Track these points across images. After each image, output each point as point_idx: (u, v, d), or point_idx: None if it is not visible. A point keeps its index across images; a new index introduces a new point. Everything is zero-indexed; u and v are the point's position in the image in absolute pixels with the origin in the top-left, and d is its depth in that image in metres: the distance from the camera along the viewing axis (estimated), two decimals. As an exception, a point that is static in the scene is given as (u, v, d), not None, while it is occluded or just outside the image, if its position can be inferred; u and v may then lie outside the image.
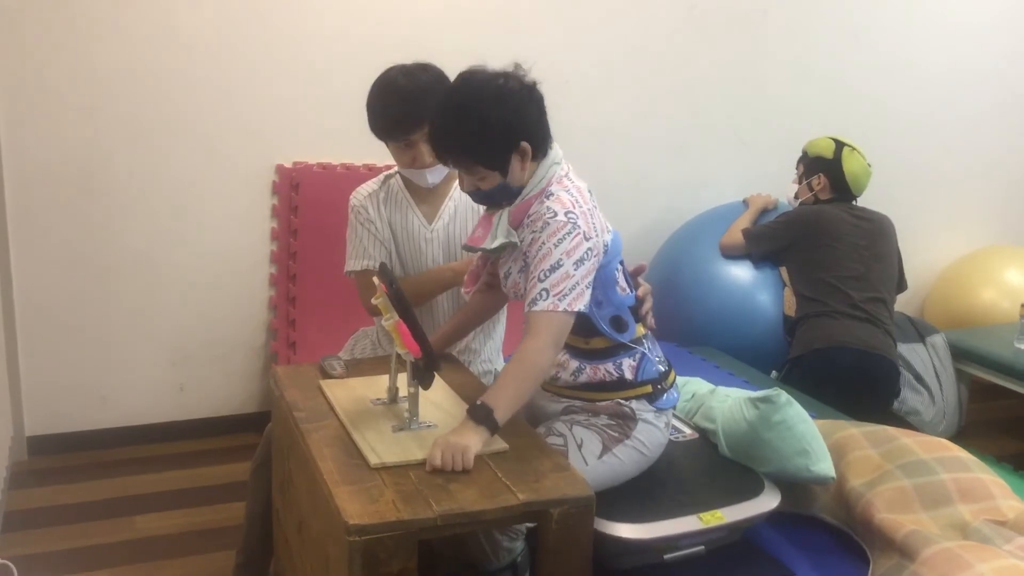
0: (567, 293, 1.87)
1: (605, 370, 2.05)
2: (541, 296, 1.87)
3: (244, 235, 3.51)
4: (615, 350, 2.05)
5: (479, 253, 2.11)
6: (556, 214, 1.91)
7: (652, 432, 2.07)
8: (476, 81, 1.94)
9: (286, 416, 2.09)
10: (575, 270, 1.88)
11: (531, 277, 1.90)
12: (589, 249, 1.91)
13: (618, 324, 2.03)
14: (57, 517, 2.98)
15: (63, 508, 3.04)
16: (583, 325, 2.00)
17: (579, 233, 1.90)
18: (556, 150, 2.02)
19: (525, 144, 1.93)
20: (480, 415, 1.81)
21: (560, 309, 1.86)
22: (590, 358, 2.05)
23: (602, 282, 1.99)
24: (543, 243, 1.90)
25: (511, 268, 2.04)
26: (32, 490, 3.15)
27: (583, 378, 2.06)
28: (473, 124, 1.90)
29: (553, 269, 1.87)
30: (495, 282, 2.18)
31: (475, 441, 1.79)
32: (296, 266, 3.52)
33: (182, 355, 3.53)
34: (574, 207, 1.93)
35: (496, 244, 1.99)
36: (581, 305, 1.89)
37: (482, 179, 1.97)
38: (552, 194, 1.95)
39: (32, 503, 3.07)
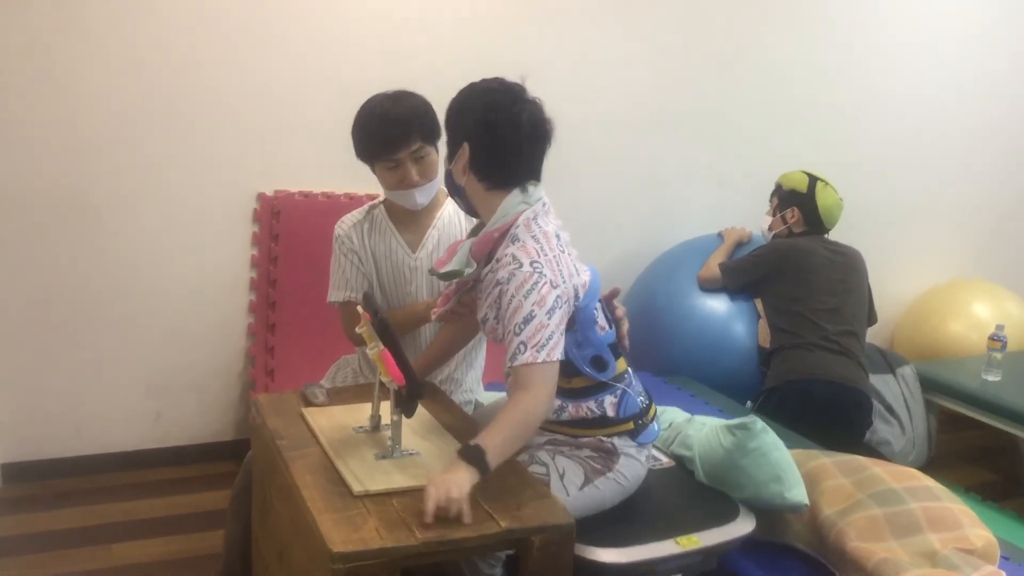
0: (544, 343, 1.88)
1: (587, 408, 2.07)
2: (520, 350, 1.88)
3: (224, 262, 3.52)
4: (597, 388, 2.07)
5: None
6: (521, 264, 1.92)
7: (633, 465, 2.10)
8: (493, 79, 2.07)
9: (268, 444, 2.10)
10: (548, 319, 1.89)
11: (507, 331, 1.91)
12: (558, 297, 1.92)
13: (599, 364, 2.05)
14: (32, 545, 2.95)
15: (38, 536, 3.02)
16: (565, 366, 2.00)
17: (546, 282, 1.91)
18: (531, 192, 2.03)
19: (466, 146, 2.01)
20: (472, 456, 1.78)
21: (540, 360, 1.87)
22: (572, 397, 2.06)
23: (582, 323, 2.01)
24: (512, 295, 1.91)
25: (488, 314, 2.05)
26: (6, 518, 3.12)
27: (565, 416, 2.08)
28: (455, 97, 2.08)
29: (527, 321, 1.88)
30: (464, 311, 2.20)
31: (467, 480, 1.75)
32: (276, 293, 3.53)
33: (159, 382, 3.52)
34: (539, 255, 1.94)
35: (447, 269, 2.04)
36: (559, 354, 1.90)
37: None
38: (518, 239, 1.97)
39: (7, 531, 3.04)
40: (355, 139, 2.40)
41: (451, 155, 2.08)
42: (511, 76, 2.08)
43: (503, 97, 2.01)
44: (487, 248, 2.02)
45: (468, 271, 2.03)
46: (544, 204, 2.05)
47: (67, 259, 3.32)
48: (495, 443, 1.81)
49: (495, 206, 2.01)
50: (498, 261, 1.99)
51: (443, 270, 2.05)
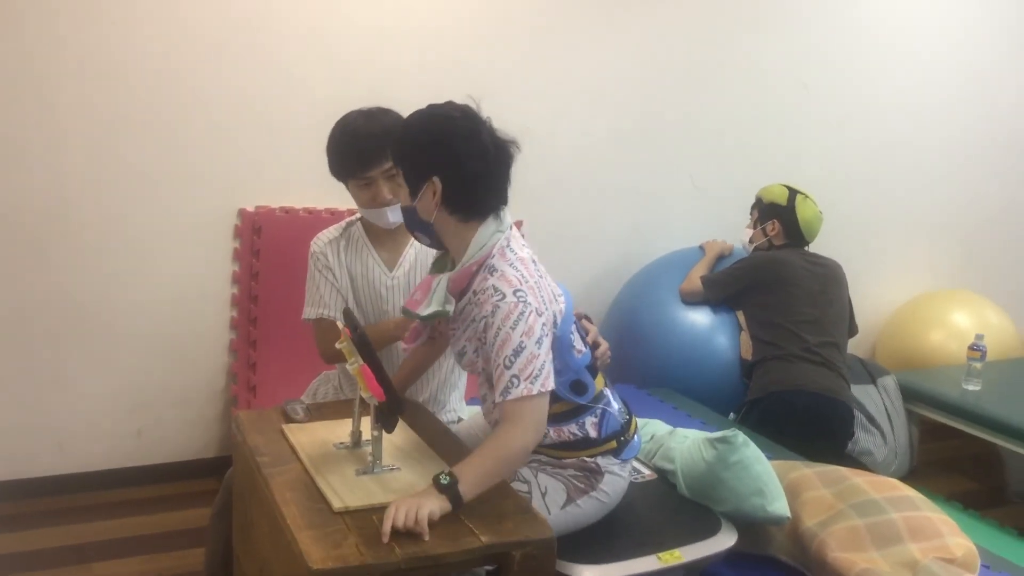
0: (537, 374, 1.86)
1: (569, 431, 2.05)
2: (513, 383, 1.85)
3: (205, 279, 3.51)
4: (577, 411, 2.05)
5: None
6: (504, 295, 1.89)
7: (616, 481, 2.10)
8: (444, 105, 1.99)
9: (248, 461, 2.09)
10: (538, 349, 1.87)
11: (495, 365, 1.88)
12: (544, 324, 1.90)
13: (578, 388, 2.03)
14: (13, 564, 2.92)
15: (19, 555, 2.99)
16: None
17: (531, 311, 1.88)
18: (503, 219, 2.00)
19: (437, 180, 1.93)
20: (444, 486, 1.77)
21: (535, 392, 1.85)
22: (554, 421, 2.01)
23: (560, 350, 1.98)
24: (499, 328, 1.88)
25: (466, 347, 2.03)
26: (-14, 537, 3.11)
27: (548, 440, 2.05)
28: (407, 129, 2.00)
29: (517, 353, 1.86)
30: (435, 334, 2.19)
31: (433, 505, 1.74)
32: (257, 309, 3.53)
33: (140, 399, 3.49)
34: (521, 283, 1.91)
35: (428, 312, 1.98)
36: (551, 383, 1.89)
37: (400, 186, 2.05)
38: (496, 270, 1.94)
39: (-14, 551, 3.02)
40: (329, 156, 2.40)
41: (414, 191, 1.99)
42: (469, 95, 2.01)
43: (465, 124, 1.94)
44: (464, 283, 1.99)
45: (450, 308, 1.99)
46: (511, 227, 2.02)
47: (47, 275, 3.30)
48: (473, 476, 1.80)
49: (468, 238, 1.97)
50: (475, 294, 1.96)
51: (425, 313, 1.99)
